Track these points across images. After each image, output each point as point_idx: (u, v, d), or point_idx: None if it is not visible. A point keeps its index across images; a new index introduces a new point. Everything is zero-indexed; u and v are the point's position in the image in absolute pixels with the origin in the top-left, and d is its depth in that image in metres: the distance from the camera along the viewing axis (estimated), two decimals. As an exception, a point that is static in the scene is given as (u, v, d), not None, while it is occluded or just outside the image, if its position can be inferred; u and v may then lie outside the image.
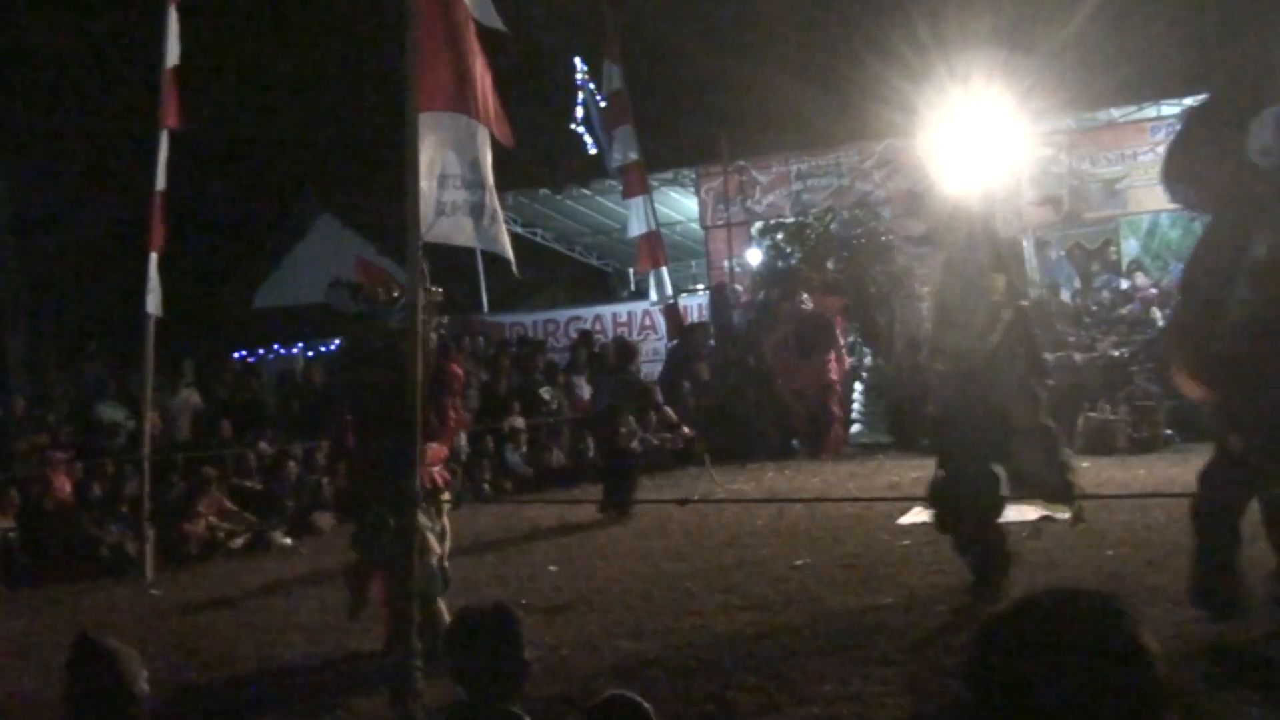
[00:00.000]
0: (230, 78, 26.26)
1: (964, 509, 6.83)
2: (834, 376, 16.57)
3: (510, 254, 5.27)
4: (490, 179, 5.11)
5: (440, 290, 5.94)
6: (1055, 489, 7.15)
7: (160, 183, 10.28)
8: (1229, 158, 5.40)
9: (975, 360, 6.85)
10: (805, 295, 16.77)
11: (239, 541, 11.39)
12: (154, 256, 10.29)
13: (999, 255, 7.02)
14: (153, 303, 10.23)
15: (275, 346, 28.01)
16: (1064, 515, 9.46)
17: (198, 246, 26.26)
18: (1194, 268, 5.76)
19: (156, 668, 5.22)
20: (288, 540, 11.55)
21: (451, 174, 4.95)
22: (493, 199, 5.11)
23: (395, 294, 6.05)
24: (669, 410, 13.54)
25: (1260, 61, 5.71)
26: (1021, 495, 7.23)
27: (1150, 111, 17.71)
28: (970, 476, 6.75)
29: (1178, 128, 5.99)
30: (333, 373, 13.04)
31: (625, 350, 13.02)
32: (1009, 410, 6.89)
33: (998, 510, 6.93)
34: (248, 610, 8.42)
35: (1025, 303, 7.25)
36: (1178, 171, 5.73)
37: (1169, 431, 14.47)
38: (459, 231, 5.00)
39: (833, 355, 16.51)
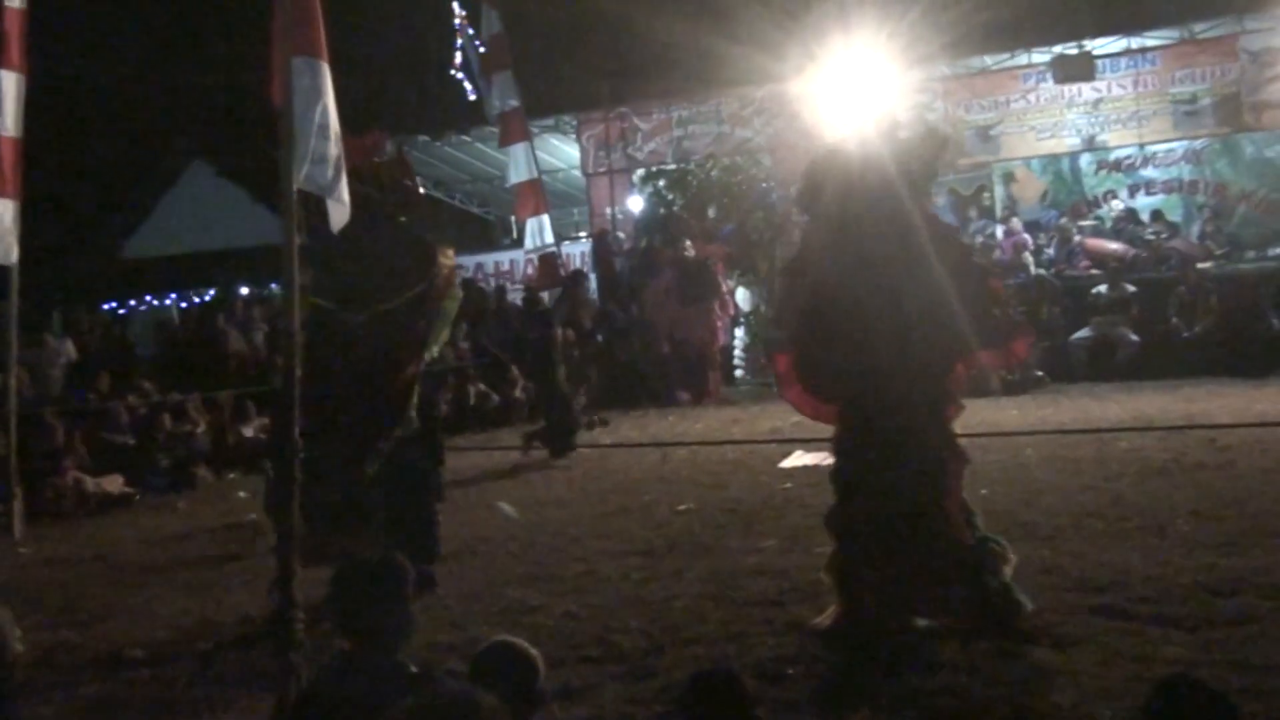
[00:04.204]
0: (94, 20, 25.24)
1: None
2: (718, 324, 16.69)
3: (347, 211, 5.08)
4: (338, 127, 4.96)
5: None
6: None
7: (9, 128, 9.83)
8: None
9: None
10: (688, 242, 16.82)
11: (113, 489, 11.10)
12: (6, 204, 9.84)
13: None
14: (3, 251, 9.80)
15: (147, 297, 27.27)
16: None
17: (65, 194, 25.36)
18: None
19: (28, 626, 5.09)
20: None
21: (321, 122, 4.83)
22: (340, 148, 4.96)
23: None
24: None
25: None
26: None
27: (1021, 59, 18.08)
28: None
29: None
30: None
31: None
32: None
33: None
34: (122, 567, 8.22)
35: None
36: None
37: (1039, 373, 14.95)
38: (323, 180, 4.88)
39: (716, 303, 16.61)
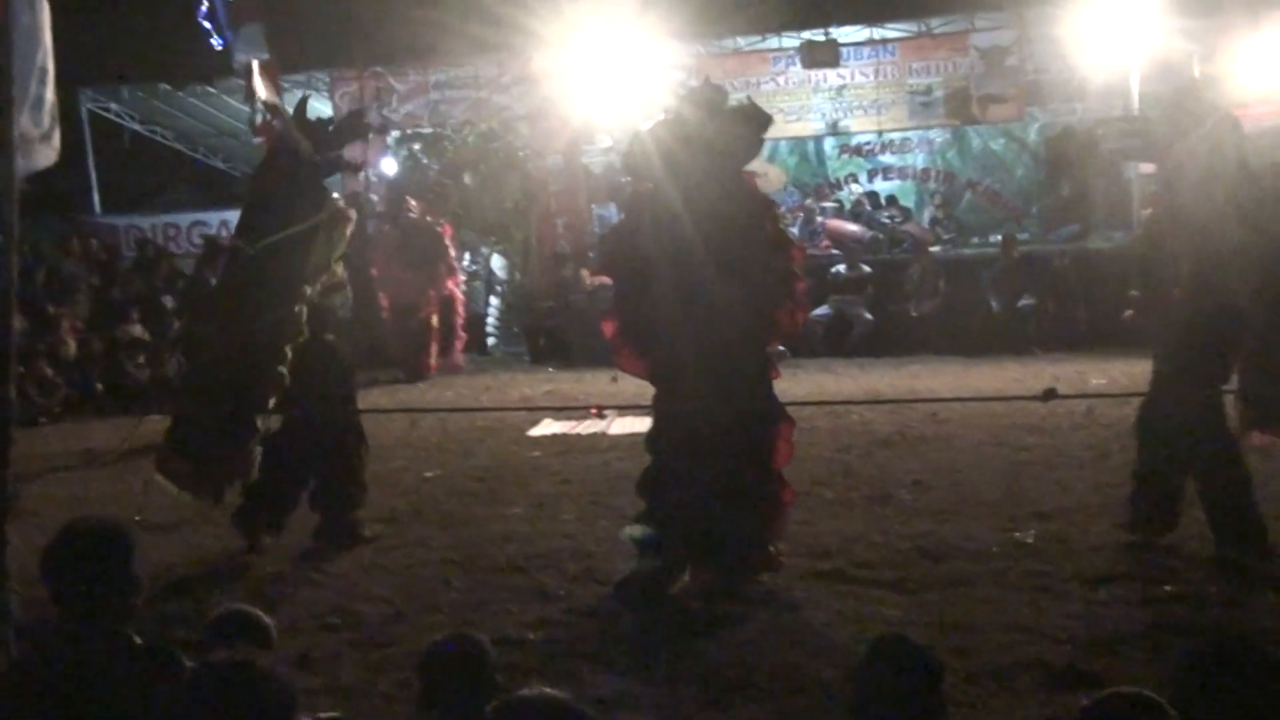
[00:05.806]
0: None
1: None
2: (447, 290, 16.17)
3: (55, 155, 4.76)
4: (52, 67, 4.61)
5: None
6: None
7: None
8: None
9: None
10: (412, 204, 16.44)
11: None
12: None
13: None
14: None
15: None
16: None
17: None
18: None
19: None
20: None
21: (41, 64, 4.49)
22: (52, 92, 4.63)
23: None
24: None
25: None
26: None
27: (772, 42, 18.61)
28: None
29: None
30: None
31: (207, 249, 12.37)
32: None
33: None
34: None
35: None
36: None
37: (780, 348, 15.40)
38: (40, 126, 4.54)
39: (442, 269, 16.05)
